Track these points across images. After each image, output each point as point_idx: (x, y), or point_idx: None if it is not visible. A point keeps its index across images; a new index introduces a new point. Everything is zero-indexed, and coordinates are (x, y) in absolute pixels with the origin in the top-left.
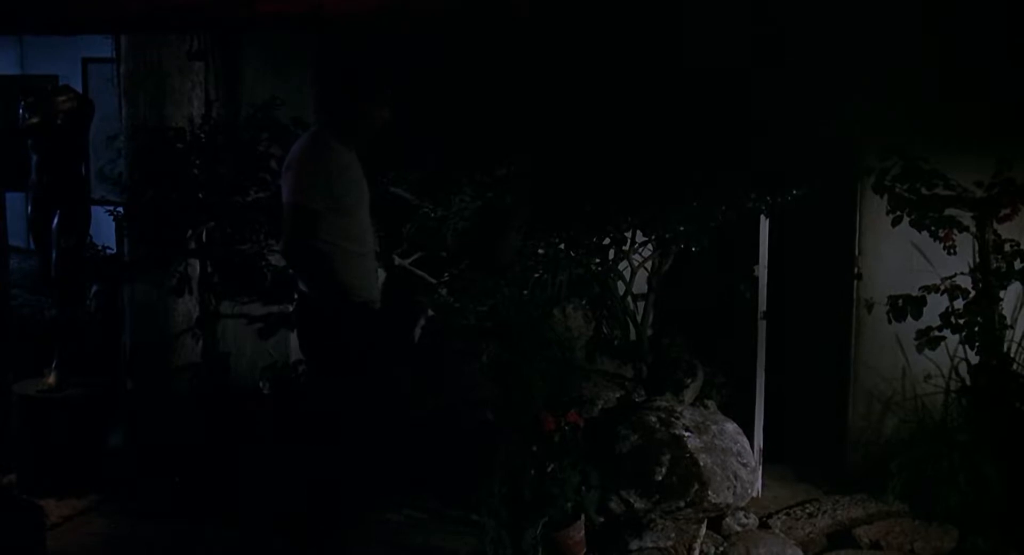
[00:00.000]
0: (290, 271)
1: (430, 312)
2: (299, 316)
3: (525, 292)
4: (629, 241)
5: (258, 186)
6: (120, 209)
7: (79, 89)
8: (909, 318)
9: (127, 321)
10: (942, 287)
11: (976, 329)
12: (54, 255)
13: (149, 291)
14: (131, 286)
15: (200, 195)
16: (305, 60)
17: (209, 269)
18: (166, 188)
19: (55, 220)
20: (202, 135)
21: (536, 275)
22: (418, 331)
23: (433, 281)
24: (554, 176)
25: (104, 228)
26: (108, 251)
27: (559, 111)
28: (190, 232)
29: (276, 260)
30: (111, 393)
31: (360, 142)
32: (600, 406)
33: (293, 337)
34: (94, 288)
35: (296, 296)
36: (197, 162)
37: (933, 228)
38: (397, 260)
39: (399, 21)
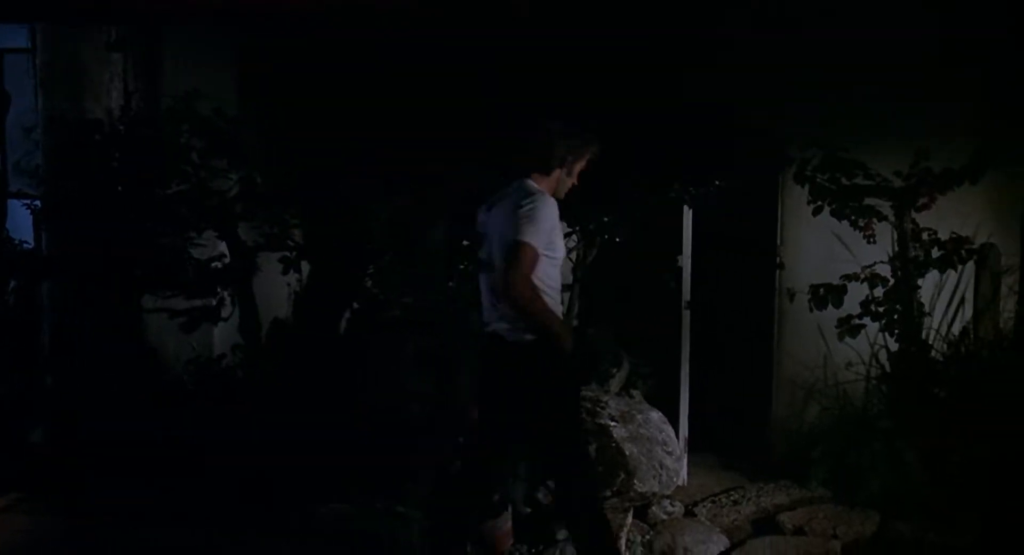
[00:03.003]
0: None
1: (355, 304)
2: (489, 358)
3: (451, 283)
4: None
5: (179, 178)
6: (37, 203)
7: None
8: (830, 306)
9: (46, 317)
10: (862, 276)
11: (895, 317)
12: None
13: (68, 286)
14: (49, 281)
15: (119, 187)
16: (227, 51)
17: (130, 263)
18: (85, 181)
19: None
20: (121, 127)
21: (461, 266)
22: (344, 323)
23: (358, 273)
24: (479, 166)
25: (21, 222)
26: (25, 245)
27: (478, 101)
28: (110, 225)
29: (198, 253)
30: (31, 390)
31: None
32: None
33: (216, 331)
34: (11, 283)
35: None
36: (116, 154)
37: (853, 217)
38: (321, 252)
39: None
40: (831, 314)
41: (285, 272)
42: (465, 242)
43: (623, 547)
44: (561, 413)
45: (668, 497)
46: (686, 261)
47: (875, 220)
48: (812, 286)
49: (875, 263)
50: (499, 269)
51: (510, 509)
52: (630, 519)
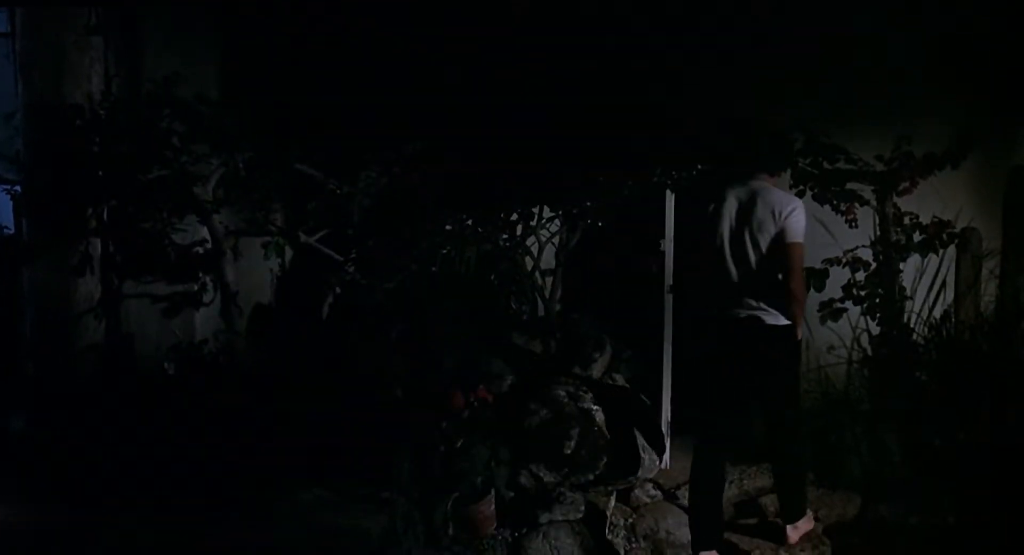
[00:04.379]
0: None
1: (337, 289)
2: (737, 338)
3: (433, 268)
4: (537, 216)
5: (160, 163)
6: (18, 188)
7: None
8: (812, 290)
9: (27, 303)
10: (844, 260)
11: (877, 300)
12: None
13: (49, 272)
14: (31, 267)
15: (100, 173)
16: (208, 34)
17: (111, 248)
18: (65, 166)
19: None
20: (102, 112)
21: (444, 251)
22: (326, 308)
23: (340, 258)
24: (461, 153)
25: (2, 208)
26: (6, 231)
27: (466, 89)
28: (91, 211)
29: (179, 238)
30: (12, 377)
31: None
32: (509, 381)
33: (198, 316)
34: None
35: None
36: (97, 139)
37: (835, 202)
38: (303, 237)
39: None
40: (813, 298)
41: (267, 257)
42: (448, 227)
43: (606, 530)
44: (796, 380)
45: (651, 481)
46: (668, 245)
47: (857, 204)
48: None
49: (857, 247)
50: (765, 264)
51: (493, 493)
52: (613, 502)
